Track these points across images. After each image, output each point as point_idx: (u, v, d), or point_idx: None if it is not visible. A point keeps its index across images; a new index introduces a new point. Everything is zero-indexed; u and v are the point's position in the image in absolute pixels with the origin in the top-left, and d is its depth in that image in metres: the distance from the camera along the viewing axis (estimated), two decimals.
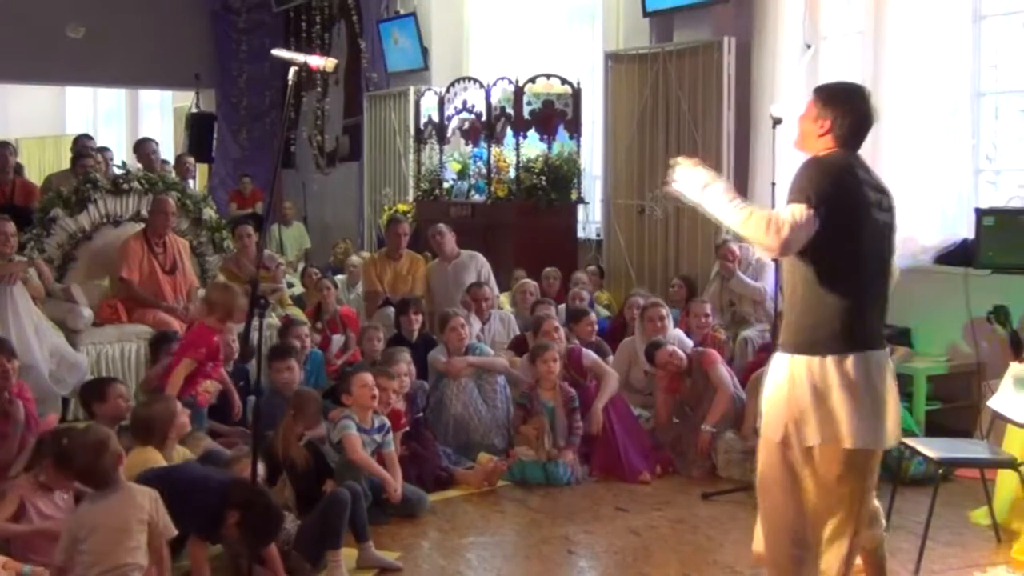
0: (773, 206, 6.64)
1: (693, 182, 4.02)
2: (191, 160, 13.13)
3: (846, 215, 3.93)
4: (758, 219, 3.87)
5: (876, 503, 4.35)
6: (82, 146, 10.86)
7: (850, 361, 3.92)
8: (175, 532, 4.28)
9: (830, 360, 3.92)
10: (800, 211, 3.84)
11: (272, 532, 4.73)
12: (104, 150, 11.94)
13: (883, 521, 4.47)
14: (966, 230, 7.66)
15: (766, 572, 4.21)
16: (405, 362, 6.77)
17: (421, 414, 6.89)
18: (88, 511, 4.20)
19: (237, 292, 6.40)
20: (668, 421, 7.06)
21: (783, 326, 4.15)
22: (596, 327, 7.93)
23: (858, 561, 4.31)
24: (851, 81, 4.49)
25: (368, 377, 5.89)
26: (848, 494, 4.03)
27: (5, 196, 9.56)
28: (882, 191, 4.11)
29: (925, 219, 7.96)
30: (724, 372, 6.97)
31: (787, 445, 4.00)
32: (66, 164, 11.38)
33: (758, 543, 4.23)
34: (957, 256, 7.63)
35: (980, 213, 7.44)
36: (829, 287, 3.96)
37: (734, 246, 8.43)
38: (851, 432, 3.90)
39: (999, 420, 5.78)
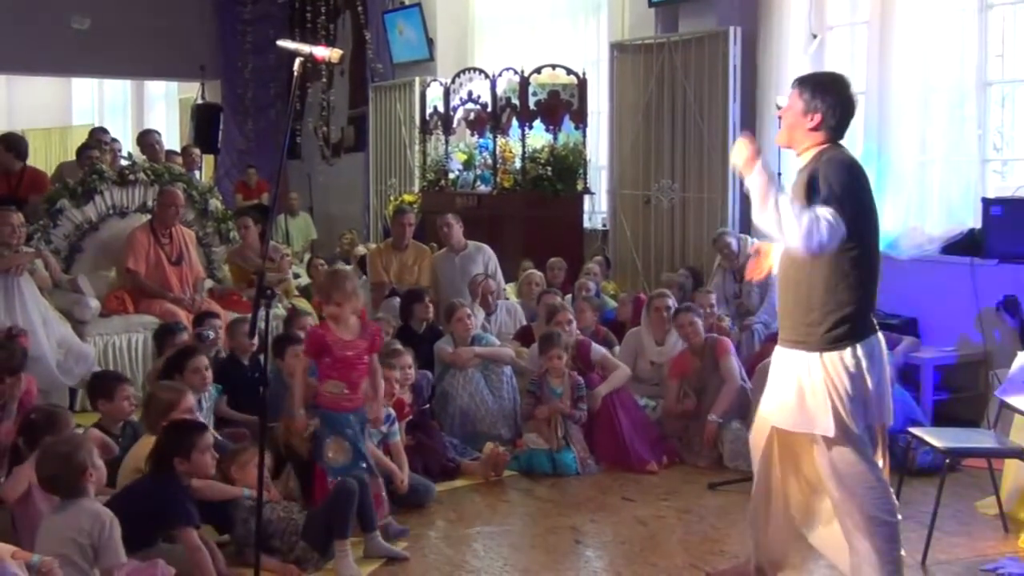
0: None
1: (741, 156, 4.03)
2: (197, 151, 13.15)
3: (867, 215, 4.00)
4: (795, 219, 3.88)
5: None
6: (96, 139, 10.87)
7: (870, 343, 4.09)
8: (121, 561, 4.11)
9: (860, 347, 4.06)
10: (836, 217, 3.88)
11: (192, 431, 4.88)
12: (112, 141, 11.94)
13: None
14: (973, 220, 7.65)
15: (872, 558, 4.23)
16: (408, 353, 6.76)
17: (428, 405, 6.89)
18: (47, 516, 4.24)
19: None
20: (676, 405, 7.04)
21: (801, 325, 4.17)
22: (597, 316, 7.90)
23: None
24: (831, 71, 4.49)
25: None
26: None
27: (11, 186, 9.56)
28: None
29: (932, 209, 7.96)
30: (734, 363, 6.97)
31: (849, 434, 4.10)
32: (71, 156, 11.41)
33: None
34: (964, 246, 7.62)
35: (987, 203, 7.43)
36: (857, 281, 4.06)
37: (730, 239, 8.44)
38: (879, 410, 4.11)
39: (1007, 410, 5.78)
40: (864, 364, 4.06)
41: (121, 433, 5.51)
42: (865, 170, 4.12)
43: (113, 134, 14.17)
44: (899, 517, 4.27)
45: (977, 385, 7.55)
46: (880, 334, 4.18)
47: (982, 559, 5.20)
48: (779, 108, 6.47)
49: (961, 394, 7.58)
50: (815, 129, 4.10)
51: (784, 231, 3.91)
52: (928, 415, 7.20)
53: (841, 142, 4.17)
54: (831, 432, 4.12)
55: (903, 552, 4.32)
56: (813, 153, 4.14)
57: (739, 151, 4.03)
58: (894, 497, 4.27)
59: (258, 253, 9.34)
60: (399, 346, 6.63)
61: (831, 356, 4.07)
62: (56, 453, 4.24)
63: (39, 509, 4.52)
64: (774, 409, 4.32)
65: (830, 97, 4.08)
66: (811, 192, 4.00)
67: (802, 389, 4.16)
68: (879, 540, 4.19)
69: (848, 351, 4.05)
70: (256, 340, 6.82)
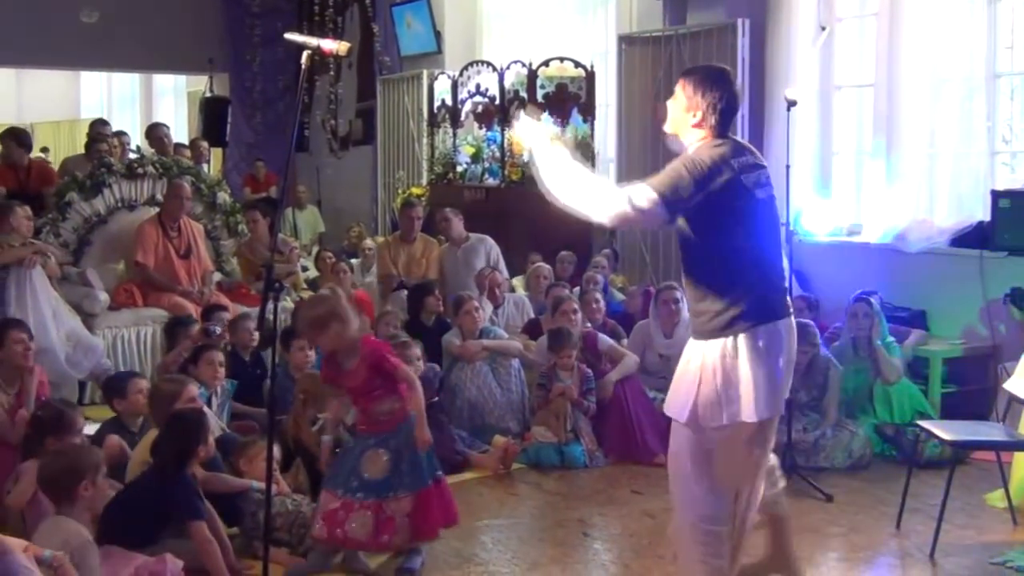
0: (788, 189, 6.66)
1: (535, 134, 4.05)
2: (205, 144, 13.16)
3: (729, 213, 4.00)
4: (607, 187, 3.99)
5: (772, 459, 4.41)
6: (97, 132, 10.89)
7: (753, 334, 3.99)
8: None
9: (740, 338, 3.99)
10: (654, 199, 3.91)
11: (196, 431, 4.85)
12: (121, 134, 11.98)
13: (780, 476, 4.53)
14: (982, 212, 7.62)
15: (679, 553, 4.26)
16: (417, 346, 6.77)
17: (436, 399, 6.89)
18: (43, 520, 4.27)
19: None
20: None
21: (692, 316, 4.21)
22: (602, 307, 7.89)
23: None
24: (716, 64, 4.46)
25: None
26: (753, 464, 4.10)
27: (20, 180, 9.59)
28: (758, 166, 4.14)
29: (941, 201, 7.94)
30: None
31: (696, 427, 4.07)
32: (81, 149, 11.43)
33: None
34: (973, 238, 7.59)
35: (996, 195, 7.40)
36: (728, 275, 4.03)
37: None
38: (754, 407, 3.96)
39: (1015, 403, 5.78)
40: (741, 355, 3.98)
41: (140, 430, 5.53)
42: (728, 162, 4.01)
43: (122, 127, 14.24)
44: (721, 527, 4.09)
45: (986, 378, 7.52)
46: (779, 323, 4.06)
47: (991, 551, 5.20)
48: (788, 100, 6.51)
49: (970, 387, 7.56)
50: (697, 126, 4.13)
51: (594, 196, 3.98)
52: (936, 408, 7.19)
53: (728, 135, 4.16)
54: (683, 419, 4.13)
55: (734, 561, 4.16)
56: (693, 148, 4.15)
57: (535, 129, 4.06)
58: (726, 504, 4.09)
59: (267, 246, 9.35)
60: (405, 338, 6.64)
61: (710, 344, 4.05)
62: (61, 456, 4.24)
63: (47, 508, 4.53)
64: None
65: (711, 94, 4.09)
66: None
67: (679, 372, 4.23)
68: (695, 545, 4.13)
69: (727, 340, 4.00)
70: (256, 335, 6.85)
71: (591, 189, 4.01)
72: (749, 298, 4.01)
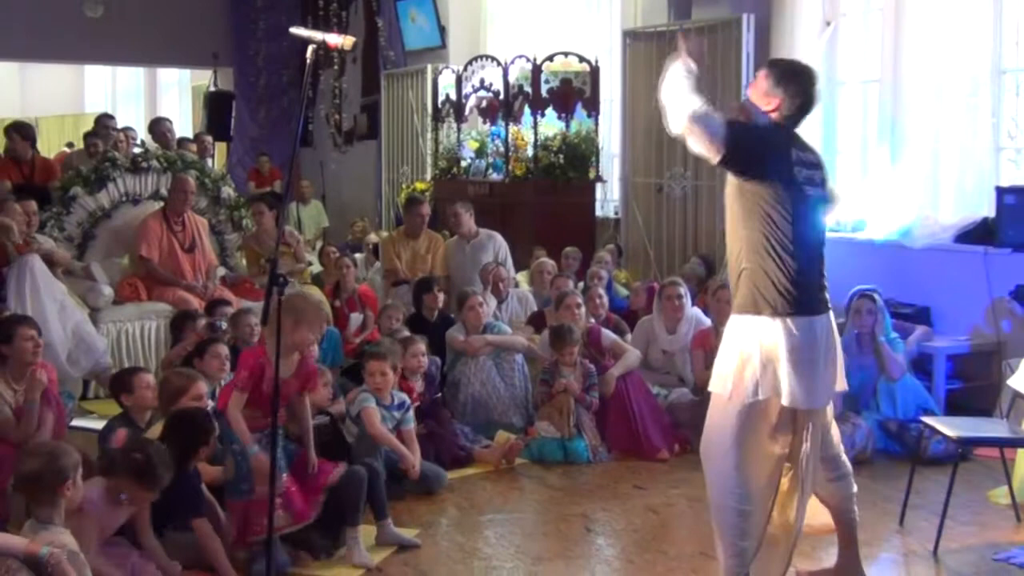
0: None
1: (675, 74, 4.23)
2: (209, 139, 13.16)
3: (773, 196, 4.09)
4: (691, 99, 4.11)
5: (844, 459, 4.55)
6: (101, 126, 10.89)
7: (792, 323, 4.09)
8: None
9: (777, 321, 4.09)
10: (721, 121, 4.06)
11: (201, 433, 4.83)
12: (127, 129, 11.97)
13: (850, 477, 4.58)
14: (987, 208, 7.62)
15: (714, 529, 4.35)
16: (422, 341, 6.77)
17: (440, 394, 6.90)
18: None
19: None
20: (705, 372, 7.03)
21: (734, 290, 4.31)
22: (605, 302, 7.88)
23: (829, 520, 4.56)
24: (803, 61, 4.55)
25: (373, 365, 5.89)
26: (777, 448, 4.20)
27: (24, 174, 9.60)
28: (816, 166, 4.26)
29: (945, 197, 7.94)
30: None
31: (732, 400, 4.17)
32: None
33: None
34: (978, 235, 7.58)
35: (1001, 191, 7.40)
36: (771, 256, 4.11)
37: None
38: (789, 391, 4.06)
39: (1020, 399, 5.78)
40: (778, 339, 4.08)
41: (148, 424, 5.52)
42: (784, 141, 4.18)
43: (126, 122, 14.26)
44: (750, 507, 4.21)
45: (990, 374, 7.51)
46: (819, 318, 4.18)
47: (994, 548, 5.19)
48: None
49: (974, 383, 7.56)
50: (772, 112, 4.23)
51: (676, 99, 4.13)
52: (940, 404, 7.19)
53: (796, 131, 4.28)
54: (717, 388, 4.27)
55: (751, 543, 4.24)
56: None
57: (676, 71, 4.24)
58: (749, 485, 4.21)
59: (274, 238, 9.29)
60: (407, 333, 6.63)
61: (748, 320, 4.17)
62: (41, 455, 4.09)
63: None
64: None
65: (791, 87, 4.20)
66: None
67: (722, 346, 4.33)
68: (723, 527, 4.28)
69: (763, 319, 4.12)
70: (257, 329, 6.83)
71: (678, 98, 4.14)
72: (798, 286, 4.10)
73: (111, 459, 4.59)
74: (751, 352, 4.13)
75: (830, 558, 4.76)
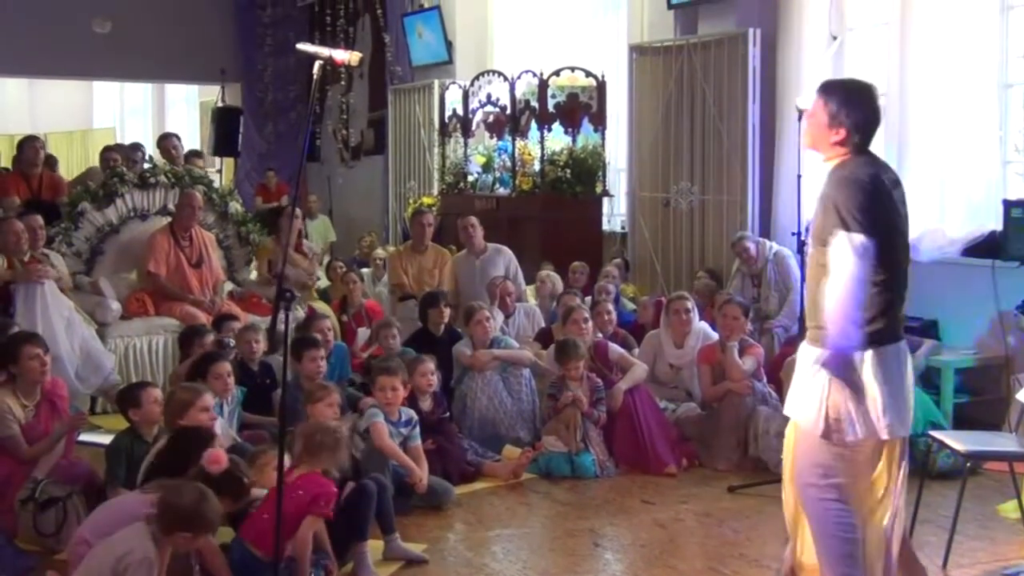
0: (799, 199, 6.64)
1: None
2: (201, 162, 13.03)
3: (886, 233, 3.94)
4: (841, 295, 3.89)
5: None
6: (124, 154, 10.88)
7: (883, 353, 3.97)
8: None
9: (869, 354, 3.95)
10: (863, 243, 3.85)
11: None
12: (138, 147, 11.96)
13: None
14: (994, 222, 7.60)
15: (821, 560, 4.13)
16: (431, 360, 6.76)
17: (448, 414, 6.88)
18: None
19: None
20: (712, 388, 7.03)
21: (814, 324, 4.12)
22: (613, 318, 7.87)
23: None
24: (859, 79, 4.34)
25: (384, 380, 5.90)
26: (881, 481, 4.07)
27: (32, 190, 9.64)
28: (898, 184, 4.13)
29: (952, 211, 7.92)
30: (751, 366, 6.96)
31: (828, 438, 4.00)
32: (93, 159, 11.50)
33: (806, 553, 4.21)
34: (985, 248, 7.57)
35: (1008, 205, 7.38)
36: (877, 290, 3.96)
37: (748, 243, 8.43)
38: (886, 423, 3.94)
39: None
40: (869, 372, 3.95)
41: (155, 439, 5.52)
42: (881, 179, 4.02)
43: (134, 137, 14.30)
44: (857, 535, 4.05)
45: (998, 388, 7.50)
46: (901, 344, 4.08)
47: (1003, 563, 5.18)
48: (799, 110, 6.48)
49: (982, 397, 7.55)
50: (839, 144, 4.06)
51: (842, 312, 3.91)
52: (949, 418, 7.17)
53: (869, 151, 4.12)
54: (800, 425, 4.09)
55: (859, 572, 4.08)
56: (834, 164, 4.11)
57: None
58: (853, 515, 4.05)
59: (296, 248, 9.23)
60: (400, 348, 6.61)
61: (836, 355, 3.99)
62: (190, 495, 4.21)
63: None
64: (788, 401, 4.29)
65: (855, 113, 4.00)
66: (832, 219, 3.95)
67: (805, 379, 4.11)
68: (831, 558, 4.08)
69: (857, 355, 3.96)
70: (261, 346, 6.85)
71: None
72: (887, 316, 4.00)
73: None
74: (841, 387, 3.97)
75: None
